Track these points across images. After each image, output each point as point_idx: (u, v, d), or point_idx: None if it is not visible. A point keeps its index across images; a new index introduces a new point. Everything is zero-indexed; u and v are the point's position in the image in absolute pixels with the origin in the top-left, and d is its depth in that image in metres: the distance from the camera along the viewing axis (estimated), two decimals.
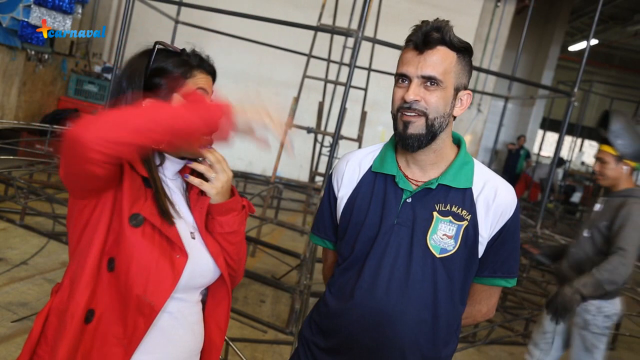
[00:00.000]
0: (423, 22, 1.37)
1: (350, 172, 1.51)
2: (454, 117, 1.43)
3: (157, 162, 1.32)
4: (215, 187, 1.31)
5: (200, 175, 1.34)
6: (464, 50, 1.39)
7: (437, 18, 1.37)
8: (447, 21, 1.37)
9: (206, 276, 1.35)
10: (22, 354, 1.27)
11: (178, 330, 1.31)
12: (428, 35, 1.34)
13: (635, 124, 2.85)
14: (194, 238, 1.33)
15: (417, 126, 1.36)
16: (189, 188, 1.38)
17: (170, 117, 1.14)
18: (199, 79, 1.32)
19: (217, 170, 1.31)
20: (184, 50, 1.34)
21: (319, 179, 7.06)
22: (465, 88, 1.42)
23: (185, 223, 1.33)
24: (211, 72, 1.36)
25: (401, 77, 1.38)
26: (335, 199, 1.53)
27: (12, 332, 3.07)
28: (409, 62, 1.36)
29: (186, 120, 1.14)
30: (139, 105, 1.24)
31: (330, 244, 1.60)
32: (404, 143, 1.39)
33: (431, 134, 1.37)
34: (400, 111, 1.37)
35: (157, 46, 1.32)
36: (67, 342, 1.20)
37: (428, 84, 1.35)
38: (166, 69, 1.30)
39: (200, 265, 1.32)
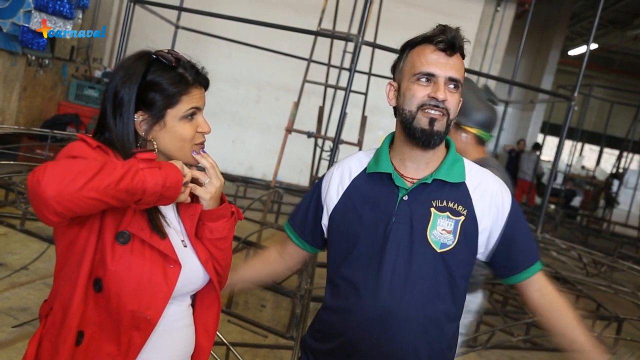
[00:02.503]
0: (444, 26, 1.40)
1: (339, 176, 1.54)
2: None
3: None
4: (210, 192, 1.31)
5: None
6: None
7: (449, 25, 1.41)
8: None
9: (196, 282, 1.35)
10: None
11: (171, 334, 1.32)
12: (459, 41, 1.38)
13: (481, 90, 2.70)
14: (185, 246, 1.33)
15: (441, 124, 1.40)
16: None
17: (137, 180, 1.11)
18: (194, 96, 1.30)
19: (210, 175, 1.31)
20: (179, 61, 1.30)
21: None
22: None
23: (174, 231, 1.33)
24: (206, 85, 1.35)
25: (425, 76, 1.39)
26: (320, 201, 1.56)
27: (12, 337, 3.06)
28: (437, 63, 1.38)
29: (149, 183, 1.13)
30: (110, 161, 1.15)
31: (293, 236, 1.63)
32: (426, 140, 1.40)
33: (445, 133, 1.42)
34: (424, 108, 1.39)
35: (153, 56, 1.30)
36: None
37: (451, 86, 1.39)
38: (162, 85, 1.27)
39: (192, 272, 1.32)
